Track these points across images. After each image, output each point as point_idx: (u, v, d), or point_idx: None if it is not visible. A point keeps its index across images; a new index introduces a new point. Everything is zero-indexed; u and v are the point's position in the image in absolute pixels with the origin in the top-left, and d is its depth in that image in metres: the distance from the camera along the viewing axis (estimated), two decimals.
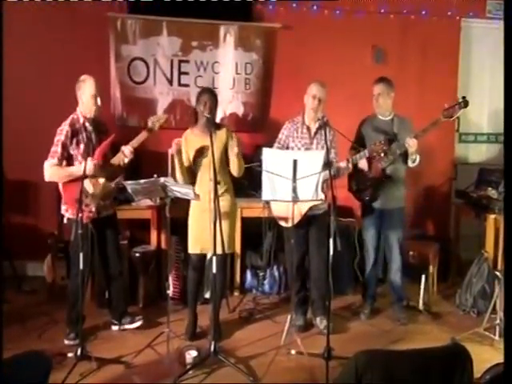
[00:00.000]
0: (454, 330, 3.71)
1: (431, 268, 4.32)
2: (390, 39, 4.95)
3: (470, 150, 5.45)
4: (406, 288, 4.02)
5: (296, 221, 3.46)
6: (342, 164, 3.53)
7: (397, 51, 4.96)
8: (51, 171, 3.29)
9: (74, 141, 3.32)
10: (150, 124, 3.38)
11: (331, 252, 2.98)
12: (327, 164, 3.19)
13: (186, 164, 3.49)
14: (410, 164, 3.73)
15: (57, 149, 3.28)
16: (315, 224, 3.61)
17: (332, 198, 3.08)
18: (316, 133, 3.60)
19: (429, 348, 1.99)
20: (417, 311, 4.07)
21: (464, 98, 3.54)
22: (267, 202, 3.65)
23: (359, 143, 3.77)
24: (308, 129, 3.62)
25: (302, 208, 3.49)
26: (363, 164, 3.73)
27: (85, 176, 3.16)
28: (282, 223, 3.62)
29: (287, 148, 3.64)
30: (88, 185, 3.29)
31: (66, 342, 3.42)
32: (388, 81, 3.80)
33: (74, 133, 3.32)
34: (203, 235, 3.42)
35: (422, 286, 4.14)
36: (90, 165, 3.25)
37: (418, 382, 1.83)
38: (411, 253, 4.16)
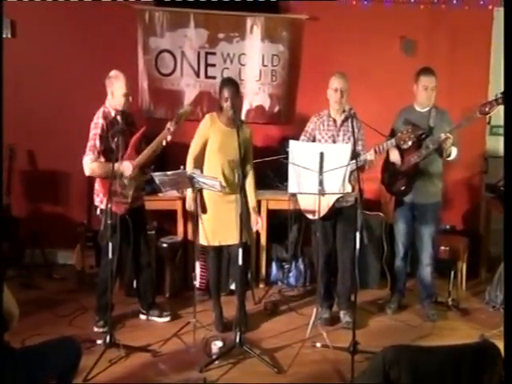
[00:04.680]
0: (483, 326, 3.66)
1: (460, 263, 4.25)
2: (420, 29, 4.82)
3: (501, 143, 5.31)
4: (434, 283, 3.95)
5: (323, 213, 3.45)
6: (369, 156, 3.46)
7: (426, 42, 4.84)
8: (92, 166, 3.30)
9: (109, 134, 3.33)
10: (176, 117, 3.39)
11: (357, 246, 2.99)
12: (354, 156, 3.17)
13: (199, 147, 3.49)
14: (446, 157, 3.65)
15: (94, 143, 3.30)
16: (342, 217, 3.58)
17: (359, 190, 3.06)
18: (342, 125, 3.57)
19: (458, 345, 1.96)
20: (445, 307, 4.01)
21: (502, 93, 3.34)
22: (293, 195, 3.63)
23: (393, 135, 3.68)
24: (334, 121, 3.59)
25: (329, 200, 3.47)
26: (395, 157, 3.67)
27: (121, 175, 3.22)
28: (309, 216, 3.60)
29: (314, 140, 3.62)
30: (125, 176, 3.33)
31: (95, 329, 3.50)
32: (434, 72, 3.73)
33: (109, 126, 3.35)
34: (222, 227, 3.46)
35: (451, 282, 4.08)
36: (130, 167, 3.31)
37: (446, 379, 1.81)
38: (441, 248, 4.09)
